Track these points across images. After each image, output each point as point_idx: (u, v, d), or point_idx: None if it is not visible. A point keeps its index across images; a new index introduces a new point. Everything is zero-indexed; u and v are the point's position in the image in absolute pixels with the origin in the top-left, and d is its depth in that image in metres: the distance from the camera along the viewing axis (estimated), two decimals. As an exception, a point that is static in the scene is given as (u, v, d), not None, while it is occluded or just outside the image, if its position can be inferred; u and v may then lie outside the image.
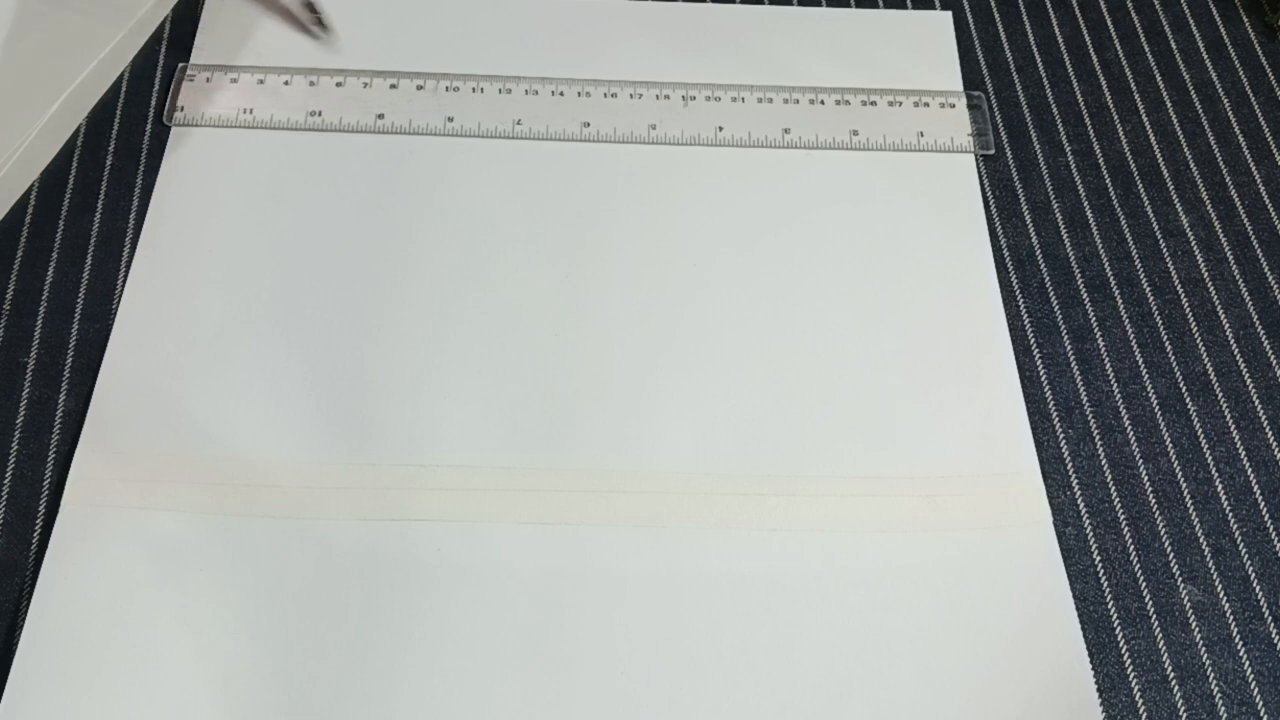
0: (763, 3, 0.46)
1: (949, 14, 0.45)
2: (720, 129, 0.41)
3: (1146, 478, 0.35)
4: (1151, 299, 0.39)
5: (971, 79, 0.44)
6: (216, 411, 0.35)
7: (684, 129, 0.41)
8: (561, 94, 0.42)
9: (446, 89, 0.42)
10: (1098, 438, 0.36)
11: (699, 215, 0.39)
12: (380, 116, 0.41)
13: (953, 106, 0.42)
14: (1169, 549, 0.34)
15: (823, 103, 0.42)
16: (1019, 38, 0.45)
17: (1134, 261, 0.40)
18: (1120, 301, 0.39)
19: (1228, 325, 0.38)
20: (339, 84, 0.42)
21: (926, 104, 0.42)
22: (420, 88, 0.42)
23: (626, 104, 0.42)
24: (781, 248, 0.39)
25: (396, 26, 0.44)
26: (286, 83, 0.42)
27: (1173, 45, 0.46)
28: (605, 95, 0.42)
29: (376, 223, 0.39)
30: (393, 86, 0.42)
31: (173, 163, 0.40)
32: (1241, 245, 0.40)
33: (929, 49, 0.44)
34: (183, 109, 0.41)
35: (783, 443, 0.35)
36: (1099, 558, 0.34)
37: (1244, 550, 0.34)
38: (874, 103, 0.42)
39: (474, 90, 0.42)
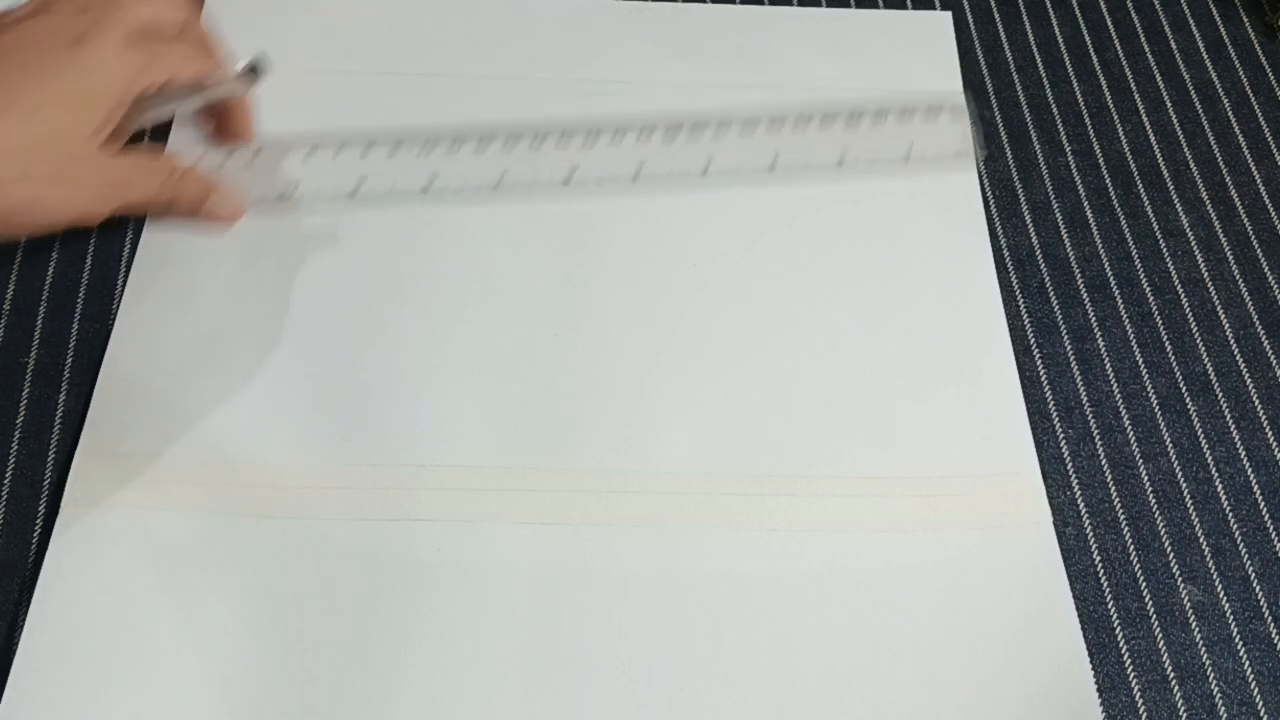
0: (763, 3, 0.46)
1: (949, 14, 0.45)
2: (709, 163, 0.39)
3: (1146, 478, 0.35)
4: (1151, 299, 0.39)
5: (971, 79, 0.44)
6: (217, 412, 0.35)
7: (670, 168, 0.39)
8: (540, 147, 0.39)
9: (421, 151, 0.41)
10: (1098, 438, 0.36)
11: (699, 216, 0.39)
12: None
13: (937, 118, 0.41)
14: (1169, 549, 0.34)
15: (809, 126, 0.40)
16: (1019, 38, 0.45)
17: (1134, 261, 0.40)
18: (1120, 301, 0.39)
19: (1228, 325, 0.38)
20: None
21: (923, 118, 0.41)
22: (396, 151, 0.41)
23: (607, 150, 0.39)
24: (782, 248, 0.39)
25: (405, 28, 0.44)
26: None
27: (1173, 45, 0.46)
28: (584, 143, 0.39)
29: (378, 222, 0.39)
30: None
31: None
32: (1241, 245, 0.40)
33: (929, 49, 0.44)
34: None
35: (783, 443, 0.35)
36: (1099, 558, 0.34)
37: (1244, 550, 0.34)
38: (861, 121, 0.41)
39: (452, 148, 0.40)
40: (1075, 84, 0.44)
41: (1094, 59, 0.45)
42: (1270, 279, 0.39)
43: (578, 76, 0.43)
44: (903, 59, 0.44)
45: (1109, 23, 0.46)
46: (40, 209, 0.31)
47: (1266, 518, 0.34)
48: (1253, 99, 0.44)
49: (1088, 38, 0.46)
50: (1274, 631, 0.33)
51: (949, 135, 0.41)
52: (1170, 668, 0.32)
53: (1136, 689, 0.31)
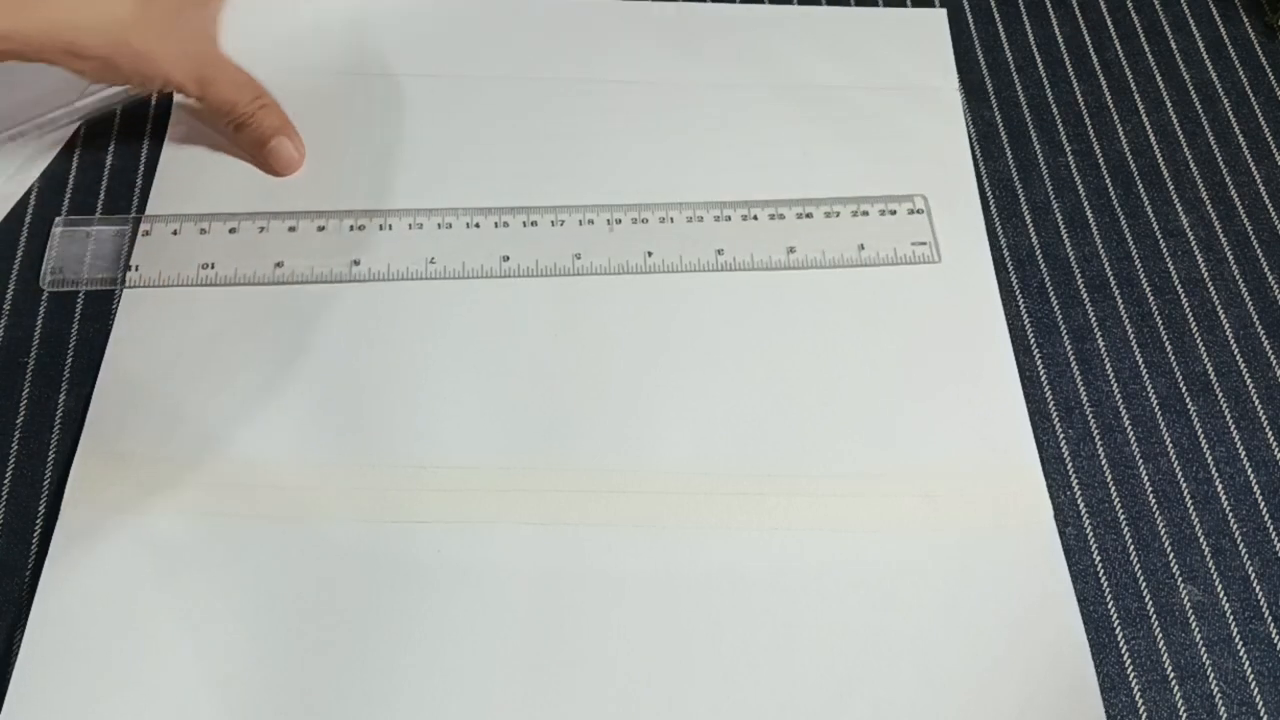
0: (763, 1, 0.45)
1: (944, 11, 0.45)
2: (650, 254, 0.38)
3: (1146, 478, 0.35)
4: (1151, 299, 0.39)
5: (971, 79, 0.44)
6: (216, 413, 0.35)
7: (610, 257, 0.38)
8: (478, 226, 0.39)
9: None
10: (1098, 438, 0.36)
11: (699, 216, 0.39)
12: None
13: (894, 214, 0.40)
14: (1169, 549, 0.34)
15: (756, 218, 0.39)
16: (1019, 38, 0.45)
17: (1134, 261, 0.40)
18: (1120, 301, 0.39)
19: (1228, 325, 0.38)
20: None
21: (891, 211, 0.40)
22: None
23: (549, 232, 0.39)
24: (782, 248, 0.39)
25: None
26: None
27: (1173, 45, 0.46)
28: (525, 224, 0.39)
29: (373, 222, 0.39)
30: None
31: (171, 157, 0.40)
32: (1241, 245, 0.40)
33: (925, 46, 0.44)
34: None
35: (783, 443, 0.35)
36: (1099, 558, 0.34)
37: (1244, 550, 0.34)
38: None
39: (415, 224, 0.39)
40: (1075, 84, 0.44)
41: (1094, 59, 0.45)
42: (1270, 279, 0.39)
43: (577, 76, 0.43)
44: (899, 56, 0.44)
45: (1109, 23, 0.46)
46: (151, 68, 0.35)
47: (1266, 518, 0.34)
48: (1253, 99, 0.44)
49: (1088, 38, 0.46)
50: (1274, 631, 0.33)
51: (894, 245, 0.39)
52: (1170, 668, 0.32)
53: (1136, 689, 0.31)
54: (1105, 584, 0.33)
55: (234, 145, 0.40)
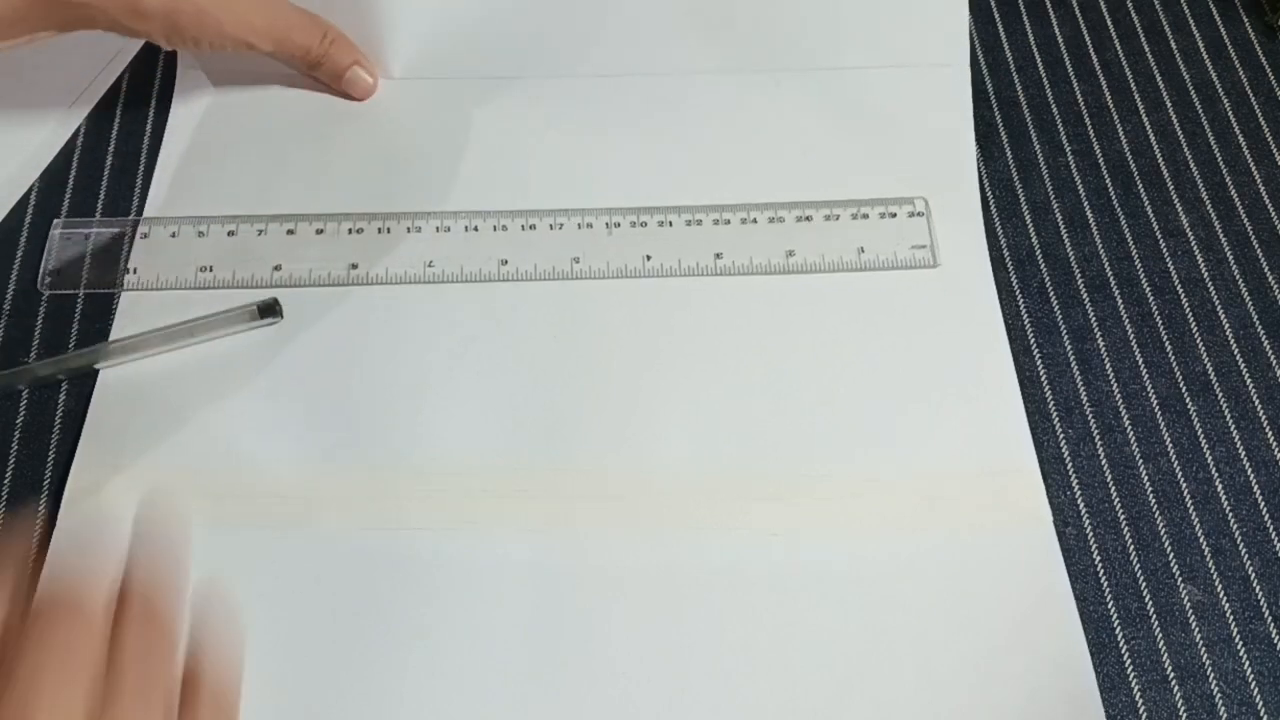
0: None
1: None
2: (648, 257, 0.38)
3: (1146, 478, 0.35)
4: (1151, 299, 0.39)
5: (972, 79, 0.44)
6: (215, 417, 0.35)
7: (609, 260, 0.38)
8: (476, 229, 0.39)
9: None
10: (1098, 438, 0.36)
11: (698, 217, 0.39)
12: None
13: (894, 217, 0.39)
14: (1169, 549, 0.34)
15: (755, 221, 0.39)
16: (1019, 38, 0.45)
17: (1134, 261, 0.40)
18: (1120, 301, 0.39)
19: (1228, 325, 0.38)
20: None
21: (893, 214, 0.40)
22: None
23: (547, 235, 0.39)
24: (781, 250, 0.39)
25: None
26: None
27: (1173, 45, 0.45)
28: (523, 228, 0.39)
29: (372, 225, 0.39)
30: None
31: (169, 159, 0.40)
32: (1241, 245, 0.40)
33: (938, 23, 0.43)
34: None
35: (782, 443, 0.35)
36: (1099, 558, 0.34)
37: (1244, 550, 0.34)
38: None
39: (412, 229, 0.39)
40: (1075, 84, 0.44)
41: (1094, 59, 0.45)
42: (1270, 279, 0.39)
43: (573, 71, 0.42)
44: (909, 31, 0.42)
45: (1109, 23, 0.46)
46: (215, 26, 0.35)
47: (1266, 518, 0.34)
48: (1253, 99, 0.44)
49: (1088, 38, 0.46)
50: (1274, 631, 0.33)
51: (893, 248, 0.39)
52: (1170, 668, 0.32)
53: (1136, 689, 0.31)
54: (1105, 584, 0.33)
55: (309, 81, 0.41)
